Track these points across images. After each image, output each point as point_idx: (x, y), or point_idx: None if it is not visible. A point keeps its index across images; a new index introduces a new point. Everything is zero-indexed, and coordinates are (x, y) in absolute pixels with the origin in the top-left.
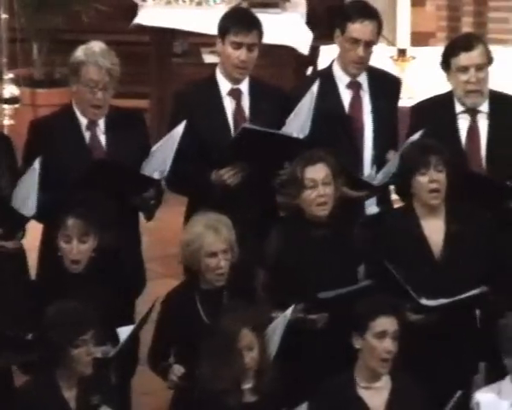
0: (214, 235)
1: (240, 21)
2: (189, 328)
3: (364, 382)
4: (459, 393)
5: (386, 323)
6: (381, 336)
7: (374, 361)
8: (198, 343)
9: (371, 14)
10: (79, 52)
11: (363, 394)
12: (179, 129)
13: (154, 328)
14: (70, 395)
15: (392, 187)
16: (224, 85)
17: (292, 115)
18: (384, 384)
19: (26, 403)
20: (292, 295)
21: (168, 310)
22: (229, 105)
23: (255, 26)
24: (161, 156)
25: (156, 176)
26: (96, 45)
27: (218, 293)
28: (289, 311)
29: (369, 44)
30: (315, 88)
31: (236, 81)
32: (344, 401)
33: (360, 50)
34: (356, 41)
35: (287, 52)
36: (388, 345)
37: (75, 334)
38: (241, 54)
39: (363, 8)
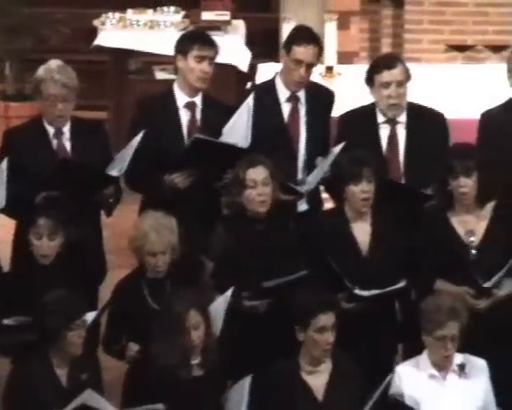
0: (156, 236)
1: (201, 37)
2: (138, 313)
3: (308, 366)
4: (391, 375)
5: (326, 319)
6: (321, 330)
7: (316, 352)
8: (146, 326)
9: (314, 40)
10: (39, 71)
11: (306, 377)
12: (138, 136)
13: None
14: (62, 372)
15: (322, 187)
16: (181, 98)
17: (229, 124)
18: (325, 367)
19: (22, 380)
20: (236, 284)
21: (118, 298)
22: (184, 116)
23: (214, 42)
24: (121, 159)
25: (114, 173)
26: (54, 63)
27: (163, 281)
28: (229, 292)
29: (310, 66)
30: (250, 100)
31: (193, 94)
32: (288, 384)
33: (302, 71)
34: (299, 62)
35: (228, 70)
36: (328, 337)
37: (70, 319)
38: (205, 66)
39: (309, 33)
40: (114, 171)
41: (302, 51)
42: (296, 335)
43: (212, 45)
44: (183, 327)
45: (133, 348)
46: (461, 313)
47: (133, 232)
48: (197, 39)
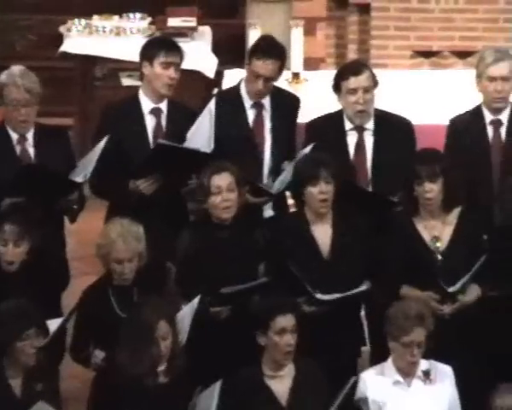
0: (122, 244)
1: (167, 44)
2: (105, 320)
3: (270, 371)
4: (353, 379)
5: (285, 321)
6: (281, 332)
7: (278, 355)
8: (113, 333)
9: (275, 55)
10: (2, 76)
11: (270, 382)
12: (102, 142)
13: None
14: (16, 383)
15: (288, 193)
16: (146, 104)
17: (192, 130)
18: (288, 372)
19: None
20: (199, 290)
21: (85, 305)
22: (150, 122)
23: (180, 49)
24: (85, 165)
25: (79, 179)
26: (16, 68)
27: (129, 288)
28: (196, 300)
29: (268, 80)
30: (212, 105)
31: (158, 100)
32: (252, 390)
33: (260, 84)
34: (257, 75)
35: (195, 76)
36: (289, 339)
37: (20, 330)
38: (171, 72)
39: (269, 47)
40: (79, 177)
41: (261, 66)
42: (257, 340)
43: (177, 51)
44: (152, 337)
45: (99, 355)
46: (427, 319)
47: (100, 240)
48: (163, 46)
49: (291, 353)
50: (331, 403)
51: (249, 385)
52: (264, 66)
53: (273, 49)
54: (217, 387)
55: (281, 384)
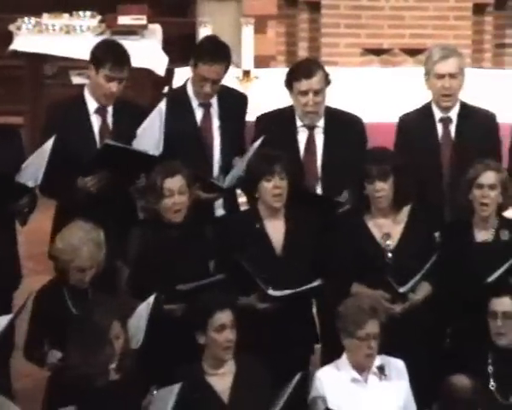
0: (86, 253)
1: (114, 58)
2: (60, 319)
3: (211, 369)
4: (299, 374)
5: (223, 317)
6: (220, 329)
7: (218, 351)
8: (68, 333)
9: (220, 58)
10: None
11: (211, 380)
12: (49, 143)
13: (28, 321)
14: None
15: (239, 191)
16: (92, 104)
17: (141, 129)
18: (229, 369)
19: None
20: (152, 289)
21: (39, 304)
22: (95, 122)
23: (127, 62)
24: (34, 167)
25: (30, 184)
26: None
27: (85, 288)
28: (151, 299)
29: (215, 82)
30: (162, 105)
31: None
32: (194, 388)
33: (207, 87)
34: (204, 79)
35: (145, 74)
36: (228, 335)
37: None
38: (113, 86)
39: (215, 50)
40: (29, 181)
41: (208, 70)
42: (197, 340)
43: (123, 66)
44: (106, 338)
45: (56, 355)
46: (380, 312)
47: (60, 244)
48: (110, 57)
49: (231, 348)
50: (278, 399)
51: (191, 384)
52: (211, 70)
53: (219, 52)
54: (175, 389)
55: (222, 381)
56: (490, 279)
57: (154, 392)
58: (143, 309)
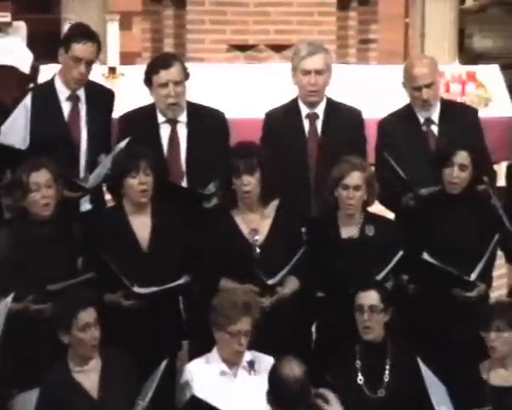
0: None
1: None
2: None
3: (77, 367)
4: (165, 361)
5: (87, 315)
6: (85, 328)
7: (84, 350)
8: None
9: (93, 37)
10: None
11: (78, 377)
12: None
13: None
14: None
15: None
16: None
17: (6, 125)
18: (95, 365)
19: None
20: (20, 288)
21: None
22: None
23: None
24: None
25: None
26: None
27: None
28: (9, 298)
29: (89, 63)
30: (27, 101)
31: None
32: (63, 387)
33: (82, 68)
34: (78, 59)
35: (9, 71)
36: (93, 333)
37: None
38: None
39: (86, 31)
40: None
41: (81, 48)
42: (60, 339)
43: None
44: None
45: None
46: (253, 308)
47: None
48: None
49: (96, 346)
50: (147, 389)
51: (59, 383)
52: (84, 48)
53: (90, 32)
54: (33, 394)
55: (89, 378)
56: (379, 277)
57: None
58: (1, 309)
